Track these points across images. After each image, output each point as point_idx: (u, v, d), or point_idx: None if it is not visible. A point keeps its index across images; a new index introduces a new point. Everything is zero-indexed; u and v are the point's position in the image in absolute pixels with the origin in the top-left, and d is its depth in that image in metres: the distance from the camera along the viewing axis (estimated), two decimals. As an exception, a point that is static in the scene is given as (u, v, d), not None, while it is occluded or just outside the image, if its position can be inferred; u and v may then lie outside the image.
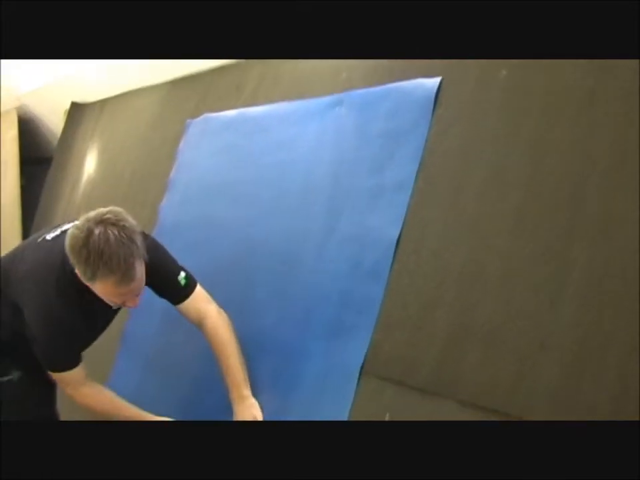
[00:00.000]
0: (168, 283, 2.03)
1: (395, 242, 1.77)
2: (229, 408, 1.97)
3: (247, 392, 1.95)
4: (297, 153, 2.25)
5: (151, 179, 3.13)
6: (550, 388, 1.32)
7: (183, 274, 2.03)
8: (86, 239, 1.69)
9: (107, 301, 1.83)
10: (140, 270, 1.78)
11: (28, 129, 4.77)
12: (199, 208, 2.60)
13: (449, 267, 1.62)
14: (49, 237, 1.98)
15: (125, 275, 1.73)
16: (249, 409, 1.92)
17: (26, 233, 4.54)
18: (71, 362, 1.93)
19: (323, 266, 1.97)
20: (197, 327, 2.07)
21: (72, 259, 1.74)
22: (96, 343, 2.23)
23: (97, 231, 1.69)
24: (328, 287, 1.92)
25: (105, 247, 1.68)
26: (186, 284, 2.03)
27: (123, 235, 1.71)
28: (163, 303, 2.45)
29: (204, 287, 2.09)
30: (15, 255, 2.07)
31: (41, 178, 4.72)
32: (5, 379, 2.02)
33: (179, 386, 2.29)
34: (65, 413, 2.29)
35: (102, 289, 1.77)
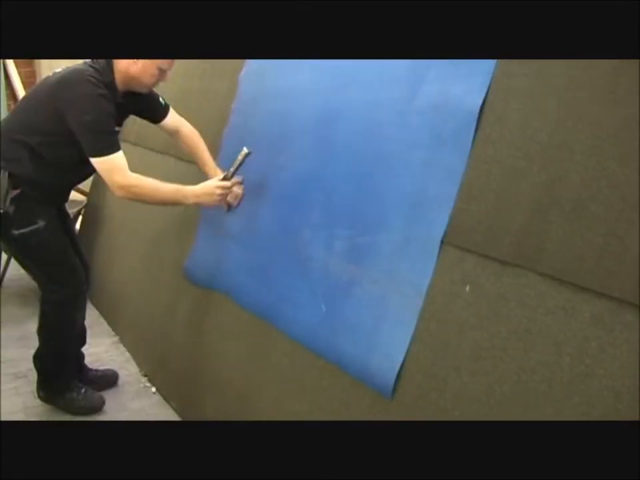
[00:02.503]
0: (155, 103, 2.64)
1: (477, 111, 1.72)
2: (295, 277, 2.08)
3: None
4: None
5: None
6: (636, 265, 1.29)
7: (161, 98, 2.65)
8: None
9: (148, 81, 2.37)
10: None
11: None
12: (277, 78, 2.57)
13: (535, 137, 1.56)
14: (56, 70, 2.37)
15: None
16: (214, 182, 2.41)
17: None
18: (116, 143, 2.28)
19: (404, 136, 1.94)
20: (173, 134, 2.72)
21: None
22: (178, 221, 2.56)
23: None
24: (408, 157, 1.90)
25: None
26: (165, 104, 2.67)
27: None
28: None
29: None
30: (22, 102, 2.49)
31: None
32: (33, 227, 2.35)
33: (255, 254, 2.37)
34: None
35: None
